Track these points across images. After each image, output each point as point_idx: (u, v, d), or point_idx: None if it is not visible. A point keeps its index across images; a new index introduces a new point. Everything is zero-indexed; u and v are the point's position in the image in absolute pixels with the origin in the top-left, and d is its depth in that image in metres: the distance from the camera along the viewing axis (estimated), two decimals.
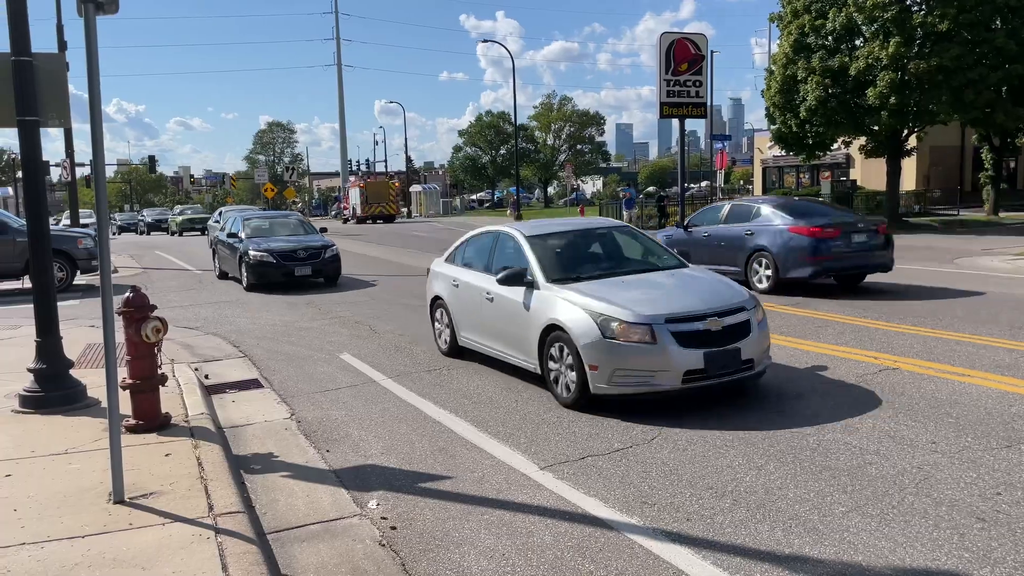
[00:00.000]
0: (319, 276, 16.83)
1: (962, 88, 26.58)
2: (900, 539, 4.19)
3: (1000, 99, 27.29)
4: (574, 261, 8.01)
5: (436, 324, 9.42)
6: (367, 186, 53.26)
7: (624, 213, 34.88)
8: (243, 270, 16.51)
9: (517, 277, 7.47)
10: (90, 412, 6.62)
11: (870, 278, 13.55)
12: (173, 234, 45.55)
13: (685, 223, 15.18)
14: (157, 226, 52.16)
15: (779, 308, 11.49)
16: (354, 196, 53.36)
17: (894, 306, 11.47)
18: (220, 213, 28.41)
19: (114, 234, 53.14)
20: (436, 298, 9.36)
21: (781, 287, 12.80)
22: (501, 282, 7.53)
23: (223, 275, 18.70)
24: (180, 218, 47.67)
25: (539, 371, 7.24)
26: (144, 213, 58.41)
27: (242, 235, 17.31)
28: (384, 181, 56.51)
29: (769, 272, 12.99)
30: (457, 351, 8.96)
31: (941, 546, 4.10)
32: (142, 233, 51.79)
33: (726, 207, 14.55)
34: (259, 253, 16.19)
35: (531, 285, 7.39)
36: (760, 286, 13.00)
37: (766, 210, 13.47)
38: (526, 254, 7.80)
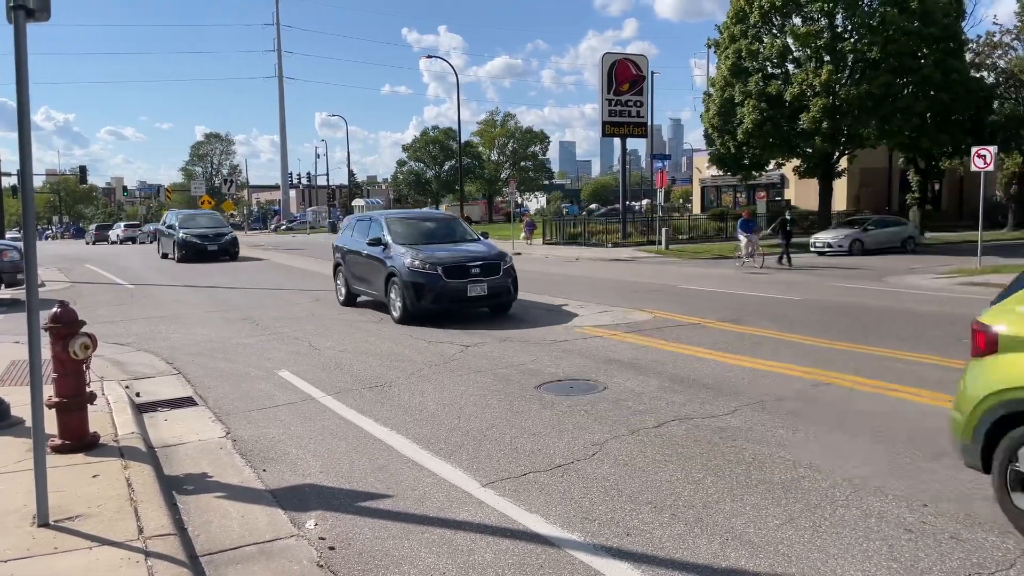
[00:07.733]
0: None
1: (890, 115, 27.73)
2: (832, 550, 4.30)
3: (925, 125, 28.56)
4: None
5: None
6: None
7: (742, 239, 24.19)
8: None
9: None
10: (14, 432, 6.34)
11: (810, 294, 13.94)
12: None
13: None
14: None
15: (715, 324, 11.74)
16: None
17: (827, 324, 11.82)
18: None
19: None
20: None
21: None
22: None
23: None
24: None
25: None
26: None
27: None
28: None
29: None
30: None
31: (871, 557, 4.22)
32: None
33: None
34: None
35: None
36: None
37: None
38: None
